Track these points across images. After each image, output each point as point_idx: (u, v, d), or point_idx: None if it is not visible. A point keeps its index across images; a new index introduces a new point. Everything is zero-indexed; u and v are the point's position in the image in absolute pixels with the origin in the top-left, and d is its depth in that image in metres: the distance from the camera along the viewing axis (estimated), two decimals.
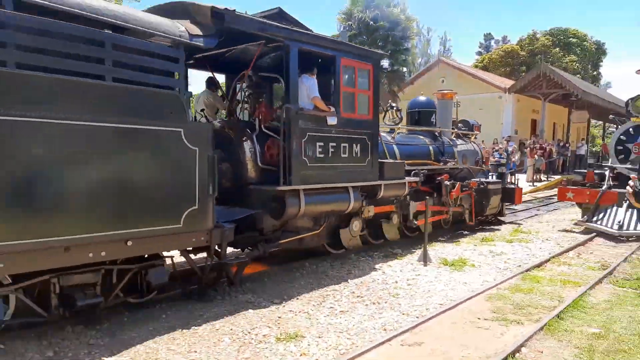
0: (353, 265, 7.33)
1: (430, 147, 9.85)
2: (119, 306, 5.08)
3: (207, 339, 4.52)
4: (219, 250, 5.63)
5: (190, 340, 4.47)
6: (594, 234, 10.20)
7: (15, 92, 3.75)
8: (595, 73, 45.16)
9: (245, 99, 7.32)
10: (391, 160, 8.18)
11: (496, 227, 10.97)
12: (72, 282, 4.39)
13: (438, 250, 8.44)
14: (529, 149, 22.41)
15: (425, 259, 7.49)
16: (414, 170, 8.76)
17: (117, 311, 5.03)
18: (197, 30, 5.20)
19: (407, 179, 8.25)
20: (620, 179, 10.86)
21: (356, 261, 7.58)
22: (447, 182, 9.36)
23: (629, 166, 10.96)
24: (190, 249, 5.42)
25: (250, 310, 5.27)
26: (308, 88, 6.45)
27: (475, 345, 4.45)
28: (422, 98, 10.81)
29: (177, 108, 4.80)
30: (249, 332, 4.68)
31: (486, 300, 5.79)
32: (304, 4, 78.83)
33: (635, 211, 9.96)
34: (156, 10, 5.61)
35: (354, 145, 6.99)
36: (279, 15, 7.05)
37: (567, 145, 27.57)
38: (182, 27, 5.08)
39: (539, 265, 7.54)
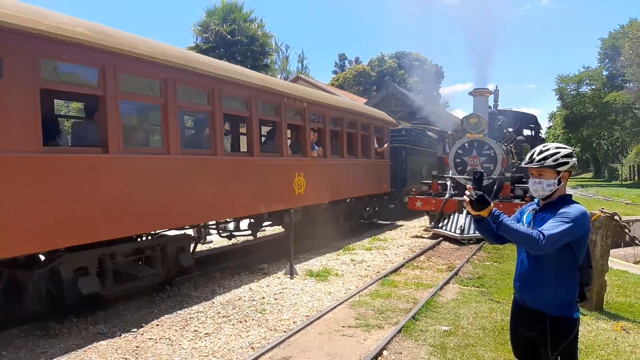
0: (218, 284, 7.10)
1: None
2: None
3: None
4: None
5: None
6: (441, 238, 11.20)
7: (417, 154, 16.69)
8: (435, 93, 50.16)
9: None
10: None
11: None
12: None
13: (304, 262, 8.57)
14: None
15: (291, 272, 7.54)
16: None
17: None
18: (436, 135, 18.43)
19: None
20: (460, 188, 12.08)
21: (221, 279, 7.36)
22: None
23: (466, 177, 12.26)
24: None
25: (102, 342, 4.80)
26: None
27: (341, 354, 4.55)
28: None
29: (434, 156, 17.71)
30: None
31: (350, 307, 5.98)
32: (156, 15, 76.11)
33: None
34: (417, 127, 18.45)
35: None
36: (424, 130, 18.54)
37: None
38: (435, 135, 18.21)
39: (395, 271, 8.03)
